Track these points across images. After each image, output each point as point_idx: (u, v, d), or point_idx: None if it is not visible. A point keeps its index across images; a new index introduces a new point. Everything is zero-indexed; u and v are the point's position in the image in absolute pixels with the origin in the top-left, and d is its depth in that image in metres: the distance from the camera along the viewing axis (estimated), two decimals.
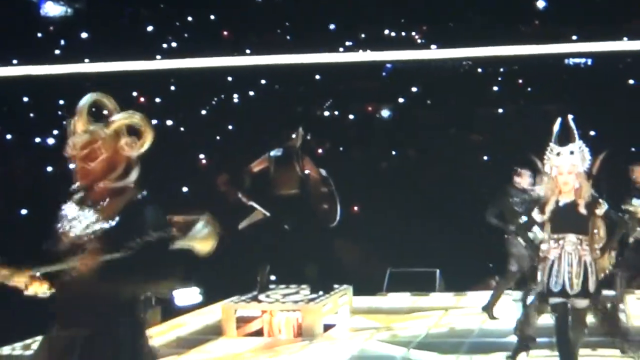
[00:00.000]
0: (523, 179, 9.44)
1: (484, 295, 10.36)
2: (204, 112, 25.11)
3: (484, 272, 14.56)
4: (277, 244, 9.76)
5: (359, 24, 25.25)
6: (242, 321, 9.43)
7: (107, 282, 3.76)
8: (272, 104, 23.97)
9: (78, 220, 3.90)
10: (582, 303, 6.40)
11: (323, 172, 10.02)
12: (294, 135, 9.86)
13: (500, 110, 25.01)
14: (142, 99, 23.31)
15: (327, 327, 9.46)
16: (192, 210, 4.06)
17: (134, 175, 4.02)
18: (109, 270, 3.74)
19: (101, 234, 3.84)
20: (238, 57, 21.21)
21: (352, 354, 8.38)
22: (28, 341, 8.33)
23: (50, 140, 21.95)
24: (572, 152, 6.35)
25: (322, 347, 8.70)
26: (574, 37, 21.57)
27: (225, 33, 25.69)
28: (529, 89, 24.97)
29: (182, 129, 24.18)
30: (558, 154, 6.36)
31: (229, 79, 24.75)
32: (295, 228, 9.65)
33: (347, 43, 24.47)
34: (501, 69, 25.70)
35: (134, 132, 4.06)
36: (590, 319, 6.70)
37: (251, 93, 25.54)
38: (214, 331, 9.59)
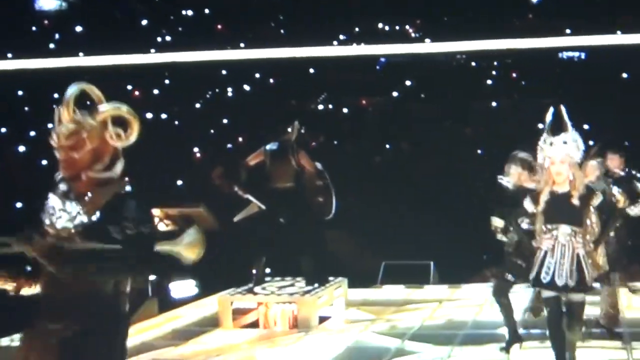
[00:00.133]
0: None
1: (478, 288, 10.34)
2: (198, 105, 25.11)
3: (477, 264, 14.60)
4: (272, 236, 9.78)
5: (353, 17, 25.26)
6: (238, 313, 9.47)
7: (84, 273, 3.74)
8: (266, 97, 23.99)
9: (63, 211, 3.86)
10: (578, 297, 6.26)
11: (318, 165, 10.04)
12: (289, 129, 9.88)
13: (494, 104, 25.08)
14: (136, 93, 23.32)
15: (322, 319, 9.50)
16: (187, 203, 4.08)
17: (119, 167, 3.97)
18: (85, 261, 3.73)
19: (84, 226, 3.82)
20: (232, 50, 21.25)
21: (347, 346, 8.42)
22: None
23: (45, 134, 21.91)
24: (565, 142, 6.15)
25: (317, 339, 8.75)
26: (568, 31, 21.66)
27: (219, 27, 25.68)
28: (523, 82, 25.04)
29: (176, 122, 24.20)
30: (551, 143, 6.16)
31: (224, 72, 24.76)
32: (291, 221, 9.67)
33: (341, 37, 24.52)
34: (495, 63, 25.76)
35: (120, 123, 4.00)
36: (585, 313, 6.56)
37: (245, 86, 25.55)
38: (211, 323, 9.63)
